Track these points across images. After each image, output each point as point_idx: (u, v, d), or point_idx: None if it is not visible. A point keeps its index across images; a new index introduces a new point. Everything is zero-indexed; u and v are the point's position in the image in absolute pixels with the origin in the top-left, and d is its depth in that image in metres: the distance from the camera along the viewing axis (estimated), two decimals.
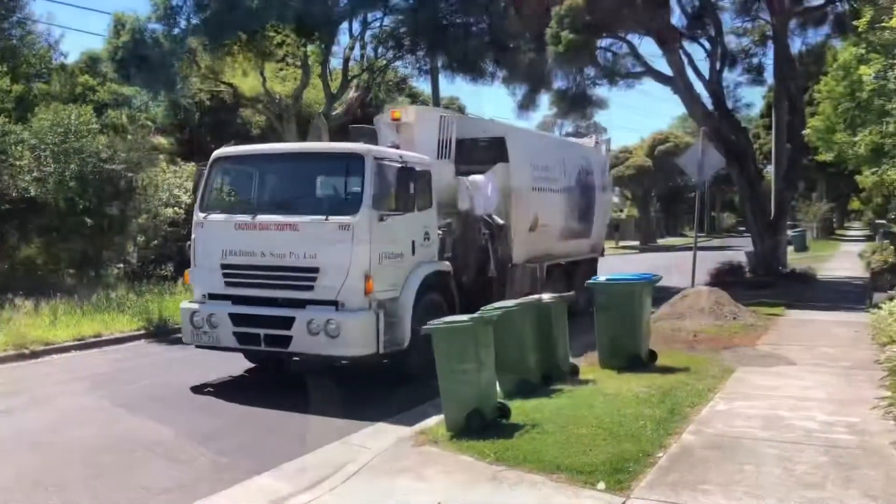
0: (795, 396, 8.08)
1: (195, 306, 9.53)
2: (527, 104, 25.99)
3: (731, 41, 24.44)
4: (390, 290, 9.11)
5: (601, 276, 10.07)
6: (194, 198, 10.05)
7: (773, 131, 26.49)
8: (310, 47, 20.02)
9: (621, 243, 53.87)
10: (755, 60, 25.45)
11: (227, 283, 9.30)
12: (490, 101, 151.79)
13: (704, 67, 22.18)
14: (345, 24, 19.26)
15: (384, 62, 22.04)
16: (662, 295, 15.20)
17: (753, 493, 5.33)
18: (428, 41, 19.32)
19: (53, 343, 12.13)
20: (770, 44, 23.76)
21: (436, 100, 24.07)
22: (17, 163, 17.44)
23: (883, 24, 12.07)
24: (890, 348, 8.27)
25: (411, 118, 11.56)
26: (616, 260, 36.33)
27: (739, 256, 23.16)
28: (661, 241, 58.72)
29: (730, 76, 25.01)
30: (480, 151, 12.72)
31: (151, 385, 9.91)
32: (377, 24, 20.12)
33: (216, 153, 10.02)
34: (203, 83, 21.97)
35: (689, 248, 19.05)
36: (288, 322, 8.81)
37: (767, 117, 38.94)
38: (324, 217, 8.80)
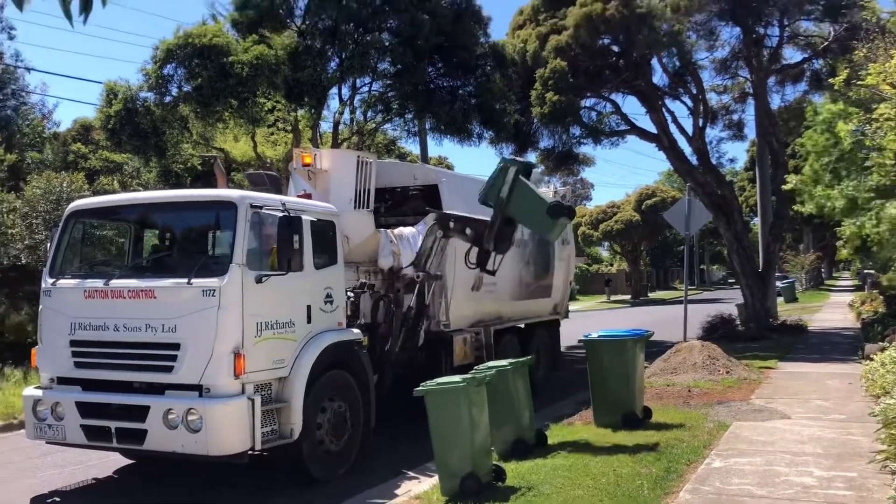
0: (792, 451, 8.05)
1: (39, 393, 7.90)
2: None
3: (713, 98, 25.04)
4: (276, 369, 7.54)
5: (594, 333, 10.02)
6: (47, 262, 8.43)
7: (757, 184, 26.92)
8: (300, 112, 20.33)
9: (612, 297, 54.07)
10: (736, 117, 26.05)
11: (77, 364, 7.71)
12: (479, 161, 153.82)
13: (688, 124, 22.70)
14: (334, 90, 19.61)
15: (373, 125, 22.42)
16: (655, 349, 15.23)
17: None
18: (416, 105, 19.67)
19: None
20: (750, 100, 24.36)
21: (424, 160, 24.37)
22: (10, 231, 17.55)
23: (860, 83, 12.42)
24: (883, 400, 8.30)
25: (326, 164, 10.23)
26: (608, 315, 36.44)
27: (730, 309, 23.27)
28: (651, 295, 58.96)
29: (712, 132, 25.57)
30: (412, 201, 11.57)
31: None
32: (366, 89, 20.49)
33: (72, 206, 8.54)
34: (195, 149, 22.22)
35: (680, 302, 19.10)
36: (142, 412, 7.21)
37: (751, 170, 39.58)
38: (186, 280, 7.31)
